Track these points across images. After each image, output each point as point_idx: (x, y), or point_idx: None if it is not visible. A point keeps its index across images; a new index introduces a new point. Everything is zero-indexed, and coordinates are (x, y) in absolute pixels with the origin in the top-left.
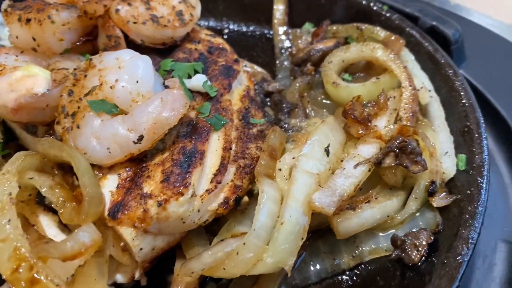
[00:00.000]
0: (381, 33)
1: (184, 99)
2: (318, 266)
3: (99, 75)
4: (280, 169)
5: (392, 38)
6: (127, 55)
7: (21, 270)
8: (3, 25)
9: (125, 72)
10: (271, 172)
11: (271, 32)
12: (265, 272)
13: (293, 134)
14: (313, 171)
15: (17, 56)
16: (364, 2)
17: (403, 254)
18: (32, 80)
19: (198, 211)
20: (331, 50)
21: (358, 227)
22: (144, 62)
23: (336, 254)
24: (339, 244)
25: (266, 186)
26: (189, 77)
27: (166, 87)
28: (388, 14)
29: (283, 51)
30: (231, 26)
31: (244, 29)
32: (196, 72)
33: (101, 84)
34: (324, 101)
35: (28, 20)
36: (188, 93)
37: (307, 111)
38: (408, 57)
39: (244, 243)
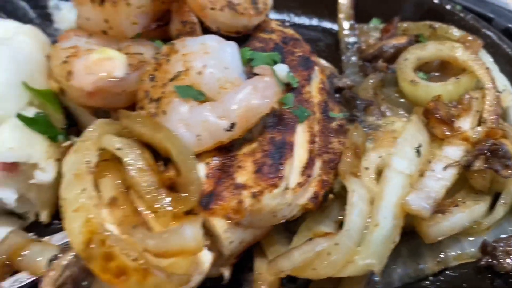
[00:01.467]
0: (456, 33)
1: (276, 87)
2: (401, 271)
3: (183, 60)
4: (366, 168)
5: (469, 38)
6: (213, 40)
7: (93, 245)
8: (58, 8)
9: (212, 58)
10: (356, 170)
11: (335, 27)
12: (354, 275)
13: (371, 132)
14: (406, 172)
15: (88, 38)
16: (436, 1)
17: (494, 261)
18: (110, 63)
19: (289, 205)
20: (404, 47)
21: (448, 232)
22: (232, 48)
23: (420, 258)
24: (422, 248)
25: (356, 185)
26: None
27: (248, 75)
28: (462, 14)
29: (349, 46)
30: (293, 19)
31: (307, 22)
32: (274, 62)
33: (186, 70)
34: (399, 99)
35: (102, 2)
36: (280, 81)
37: (382, 109)
38: (486, 58)
39: (336, 244)
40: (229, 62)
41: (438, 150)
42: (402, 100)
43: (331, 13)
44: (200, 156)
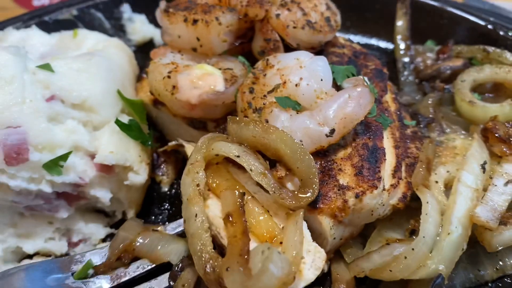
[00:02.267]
0: (510, 57)
1: (370, 96)
2: (462, 276)
3: (280, 74)
4: (436, 182)
5: None
6: (306, 55)
7: (208, 270)
8: (132, 20)
9: (307, 71)
10: (427, 183)
11: (390, 46)
12: (424, 277)
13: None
14: (473, 186)
15: (182, 55)
16: (490, 26)
17: None
18: (212, 78)
19: (383, 204)
20: (461, 69)
21: (509, 242)
22: (324, 62)
23: (479, 265)
24: (481, 256)
25: (430, 197)
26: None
27: (336, 87)
28: None
29: (406, 65)
30: (351, 37)
31: (363, 41)
32: (352, 74)
33: (284, 82)
34: (455, 117)
35: (195, 21)
36: (373, 91)
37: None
38: None
39: (412, 249)
40: (323, 74)
41: (498, 167)
42: (459, 118)
43: (387, 33)
44: None
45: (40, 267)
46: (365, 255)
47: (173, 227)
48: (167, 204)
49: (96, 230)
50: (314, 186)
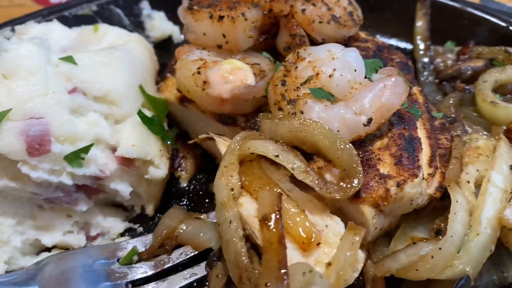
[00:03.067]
0: None
1: (405, 85)
2: (486, 277)
3: (312, 66)
4: (468, 181)
5: None
6: (337, 47)
7: (244, 280)
8: (151, 17)
9: (340, 62)
10: (459, 180)
11: (409, 47)
12: (451, 278)
13: None
14: (502, 187)
15: (208, 51)
16: (511, 28)
17: None
18: (242, 72)
19: (422, 193)
20: (482, 70)
21: None
22: (356, 53)
23: (503, 267)
24: (504, 258)
25: (460, 195)
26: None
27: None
28: None
29: (425, 66)
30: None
31: (382, 41)
32: (379, 67)
33: (317, 74)
34: (477, 118)
35: (221, 17)
36: (407, 81)
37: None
38: None
39: (440, 248)
40: (356, 64)
41: None
42: (480, 119)
43: (407, 33)
44: None
45: (88, 252)
46: (391, 254)
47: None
48: (186, 200)
49: (115, 224)
50: (358, 175)
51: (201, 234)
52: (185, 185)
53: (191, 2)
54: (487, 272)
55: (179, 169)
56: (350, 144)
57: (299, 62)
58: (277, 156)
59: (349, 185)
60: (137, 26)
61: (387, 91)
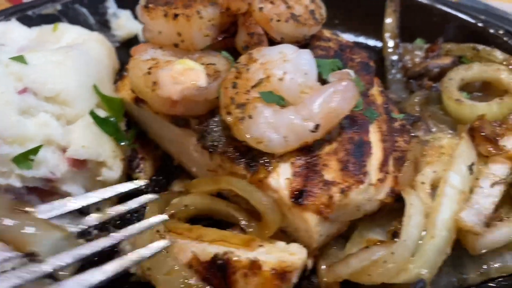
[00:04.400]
0: (500, 55)
1: (355, 90)
2: (445, 279)
3: (264, 68)
4: (423, 183)
5: None
6: (290, 49)
7: None
8: (116, 16)
9: (292, 65)
10: (413, 183)
11: (379, 44)
12: (406, 282)
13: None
14: (460, 188)
15: (164, 51)
16: (480, 24)
17: None
18: (194, 73)
19: (370, 200)
20: (449, 67)
21: (493, 245)
22: (308, 55)
23: (462, 269)
24: (464, 259)
25: (414, 198)
26: None
27: (322, 81)
28: (505, 38)
29: (394, 64)
30: (339, 35)
31: (352, 39)
32: (338, 68)
33: (268, 77)
34: (443, 116)
35: (176, 16)
36: (359, 84)
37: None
38: None
39: (392, 253)
40: (307, 68)
41: (484, 167)
42: (446, 117)
43: (376, 31)
44: (283, 157)
45: None
46: (343, 259)
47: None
48: None
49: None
50: (270, 220)
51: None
52: (143, 187)
53: (148, 0)
54: (446, 275)
55: (137, 170)
56: (258, 191)
57: (251, 63)
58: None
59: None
60: (103, 25)
61: (337, 96)
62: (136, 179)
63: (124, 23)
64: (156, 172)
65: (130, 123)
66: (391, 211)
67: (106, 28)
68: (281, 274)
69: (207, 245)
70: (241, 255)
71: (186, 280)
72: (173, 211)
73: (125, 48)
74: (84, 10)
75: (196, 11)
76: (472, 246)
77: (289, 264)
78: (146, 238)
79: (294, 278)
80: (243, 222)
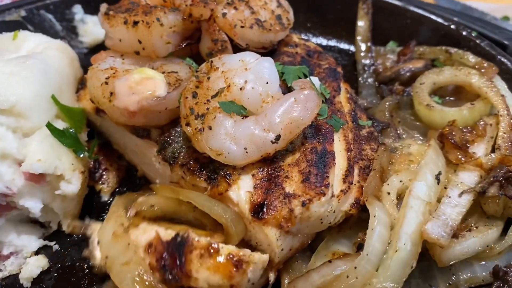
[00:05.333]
0: (472, 59)
1: (317, 99)
2: None
3: (224, 77)
4: (388, 193)
5: (485, 64)
6: (251, 56)
7: None
8: (83, 22)
9: (252, 73)
10: (379, 194)
11: (352, 48)
12: None
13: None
14: (426, 199)
15: (124, 59)
16: (452, 27)
17: (505, 286)
18: (152, 82)
19: (334, 211)
20: (421, 71)
21: (461, 256)
22: (270, 64)
23: (431, 280)
24: (433, 270)
25: (378, 210)
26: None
27: (287, 89)
28: (477, 40)
29: (366, 68)
30: (312, 39)
31: (324, 43)
32: (304, 75)
33: (228, 86)
34: (414, 122)
35: (136, 23)
36: (325, 92)
37: (398, 131)
38: (501, 85)
39: (355, 267)
40: (268, 76)
41: (453, 175)
42: (417, 123)
43: (349, 35)
44: (244, 168)
45: None
46: (304, 274)
47: None
48: (106, 214)
49: (29, 242)
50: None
51: None
52: (106, 198)
53: (109, 7)
54: (416, 287)
55: (100, 182)
56: (218, 203)
57: (212, 72)
58: None
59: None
60: (70, 31)
61: (298, 106)
62: (99, 190)
63: (91, 29)
64: (120, 183)
65: (92, 133)
66: (359, 221)
67: (73, 34)
68: (238, 262)
69: (172, 228)
70: (202, 239)
71: (140, 274)
72: (138, 209)
73: (92, 54)
74: (50, 16)
75: (156, 18)
76: (439, 258)
77: (247, 256)
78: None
79: (250, 274)
80: (209, 228)
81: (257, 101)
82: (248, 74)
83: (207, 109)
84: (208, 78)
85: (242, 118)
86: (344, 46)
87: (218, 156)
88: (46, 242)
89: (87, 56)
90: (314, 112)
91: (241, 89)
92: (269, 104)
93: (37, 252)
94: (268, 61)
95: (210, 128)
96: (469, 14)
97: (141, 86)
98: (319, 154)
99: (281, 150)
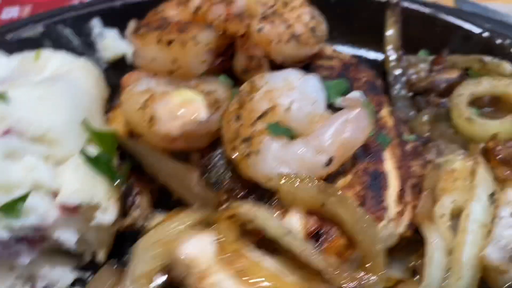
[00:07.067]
0: (508, 68)
1: (369, 119)
2: None
3: (268, 98)
4: (441, 216)
5: None
6: (295, 74)
7: None
8: (102, 36)
9: (298, 93)
10: (432, 216)
11: (379, 57)
12: None
13: None
14: (482, 221)
15: (157, 79)
16: (485, 35)
17: None
18: (193, 106)
19: (391, 235)
20: (457, 82)
21: None
22: (316, 81)
23: None
24: None
25: (435, 235)
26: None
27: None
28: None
29: (397, 78)
30: (339, 48)
31: (352, 51)
32: (345, 89)
33: (273, 107)
34: (453, 135)
35: (170, 42)
36: (370, 109)
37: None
38: None
39: None
40: (315, 95)
41: (501, 194)
42: (456, 136)
43: (377, 43)
44: None
45: None
46: None
47: None
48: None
49: (63, 274)
50: (378, 269)
51: None
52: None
53: (139, 23)
54: None
55: (133, 207)
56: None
57: (254, 92)
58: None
59: (365, 281)
60: (88, 46)
61: (350, 126)
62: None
63: (111, 43)
64: (154, 206)
65: (123, 156)
66: (408, 243)
67: (91, 50)
68: None
69: None
70: None
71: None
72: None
73: (113, 70)
74: (67, 32)
75: (192, 36)
76: (495, 281)
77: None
78: None
79: None
80: None
81: (305, 122)
82: (294, 93)
83: (253, 132)
84: (251, 99)
85: (290, 141)
86: (371, 55)
87: (268, 182)
88: (81, 274)
89: (107, 72)
90: (367, 131)
91: (287, 109)
92: (317, 125)
93: (72, 284)
94: (313, 79)
95: (257, 152)
96: (492, 17)
97: (183, 110)
98: (372, 175)
99: (332, 173)
